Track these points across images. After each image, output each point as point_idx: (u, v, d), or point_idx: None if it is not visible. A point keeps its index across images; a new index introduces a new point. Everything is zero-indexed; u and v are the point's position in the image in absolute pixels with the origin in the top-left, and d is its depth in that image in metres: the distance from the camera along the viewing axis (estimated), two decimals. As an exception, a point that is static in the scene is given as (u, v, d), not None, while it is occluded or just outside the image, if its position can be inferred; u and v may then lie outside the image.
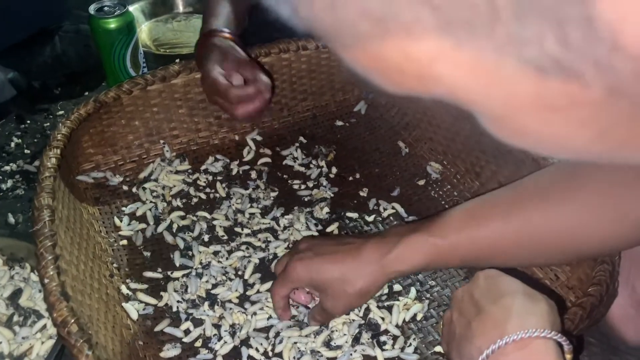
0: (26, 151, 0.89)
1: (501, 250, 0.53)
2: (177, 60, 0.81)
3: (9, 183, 0.83)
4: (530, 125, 0.17)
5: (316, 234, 0.74)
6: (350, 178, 0.83)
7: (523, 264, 0.60)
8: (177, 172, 0.81)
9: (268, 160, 0.84)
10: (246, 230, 0.74)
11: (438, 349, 0.62)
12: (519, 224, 0.51)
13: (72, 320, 0.48)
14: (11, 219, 0.77)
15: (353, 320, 0.64)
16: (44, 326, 0.58)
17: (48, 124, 0.94)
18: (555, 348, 0.39)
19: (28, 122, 0.94)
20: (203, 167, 0.82)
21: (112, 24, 0.86)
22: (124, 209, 0.75)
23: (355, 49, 0.16)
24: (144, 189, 0.78)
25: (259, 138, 0.87)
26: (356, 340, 0.62)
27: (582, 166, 0.49)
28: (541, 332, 0.39)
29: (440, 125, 0.82)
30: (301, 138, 0.88)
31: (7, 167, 0.86)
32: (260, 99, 0.71)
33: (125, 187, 0.78)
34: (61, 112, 0.96)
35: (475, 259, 0.54)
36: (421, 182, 0.81)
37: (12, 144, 0.90)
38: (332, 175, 0.83)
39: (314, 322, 0.62)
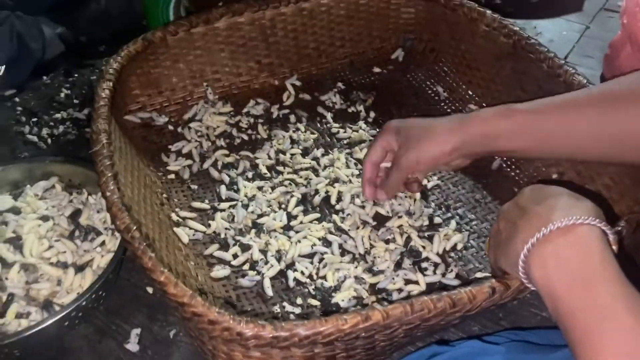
0: (75, 101, 0.92)
1: (575, 138, 0.53)
2: (220, 4, 0.82)
3: (61, 128, 0.87)
4: None
5: (357, 172, 0.75)
6: (389, 121, 0.84)
7: (591, 158, 0.59)
8: (220, 114, 0.83)
9: (307, 105, 0.86)
10: (288, 169, 0.76)
11: (479, 275, 0.63)
12: (610, 118, 0.51)
13: (135, 227, 0.50)
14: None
15: (395, 248, 0.66)
16: (103, 242, 0.61)
17: (94, 77, 0.97)
18: (600, 235, 0.40)
19: (76, 75, 0.98)
20: (245, 110, 0.84)
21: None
22: (170, 147, 0.78)
23: None
24: (189, 128, 0.80)
25: (298, 83, 0.89)
26: (398, 265, 0.64)
27: None
28: (585, 218, 0.39)
29: (479, 67, 0.82)
30: (339, 84, 0.89)
31: (57, 115, 0.89)
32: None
33: (170, 127, 0.81)
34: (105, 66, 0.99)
35: (547, 141, 0.55)
36: (460, 124, 0.82)
37: (62, 95, 0.93)
38: (370, 120, 0.85)
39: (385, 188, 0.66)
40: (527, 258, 0.41)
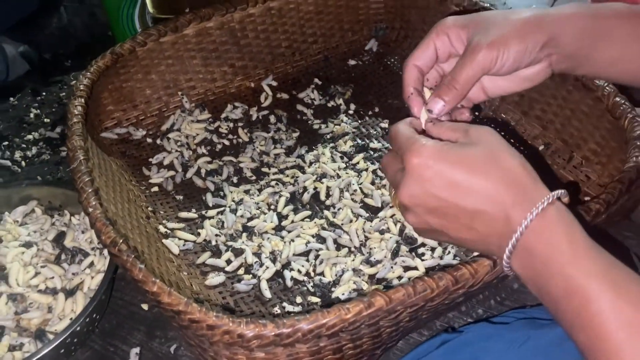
0: (46, 120, 0.90)
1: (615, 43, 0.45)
2: (187, 10, 0.80)
3: (34, 150, 0.84)
4: None
5: (343, 165, 0.74)
6: (370, 112, 0.83)
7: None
8: (198, 122, 0.81)
9: (286, 104, 0.84)
10: (273, 170, 0.75)
11: (477, 252, 0.62)
12: None
13: (121, 241, 0.48)
14: (41, 183, 0.78)
15: (390, 237, 0.64)
16: (92, 263, 0.59)
17: (64, 93, 0.95)
18: (562, 209, 0.38)
19: (44, 94, 0.95)
20: (223, 115, 0.83)
21: (118, -17, 0.87)
22: (150, 159, 0.76)
23: None
24: (168, 139, 0.79)
25: (274, 83, 0.87)
26: (395, 254, 0.63)
27: None
28: (542, 202, 0.37)
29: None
30: (316, 80, 0.88)
31: (29, 136, 0.87)
32: None
33: (149, 140, 0.79)
34: (75, 82, 0.97)
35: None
36: (441, 107, 0.81)
37: (32, 115, 0.91)
38: (351, 112, 0.84)
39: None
40: (510, 260, 0.40)
